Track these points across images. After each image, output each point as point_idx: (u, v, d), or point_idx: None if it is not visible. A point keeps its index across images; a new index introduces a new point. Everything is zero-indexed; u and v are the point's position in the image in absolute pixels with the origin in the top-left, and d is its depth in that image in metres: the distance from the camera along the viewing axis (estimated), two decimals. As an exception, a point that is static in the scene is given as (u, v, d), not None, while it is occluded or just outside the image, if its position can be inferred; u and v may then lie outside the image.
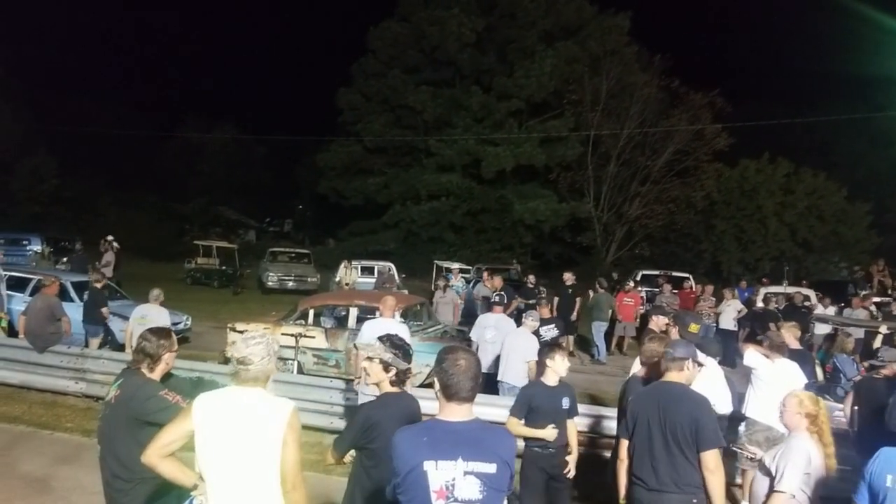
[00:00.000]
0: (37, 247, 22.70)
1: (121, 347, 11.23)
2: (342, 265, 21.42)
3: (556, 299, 14.52)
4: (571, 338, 14.79)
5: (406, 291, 17.84)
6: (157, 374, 4.05)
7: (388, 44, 36.19)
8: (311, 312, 11.31)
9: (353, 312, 11.16)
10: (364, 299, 11.84)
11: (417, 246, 34.28)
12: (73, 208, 37.87)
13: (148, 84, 50.75)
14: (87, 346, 10.93)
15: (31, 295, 12.55)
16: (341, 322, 11.46)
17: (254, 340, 3.24)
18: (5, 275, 12.36)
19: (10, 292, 12.24)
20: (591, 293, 15.44)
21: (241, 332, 10.63)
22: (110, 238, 18.78)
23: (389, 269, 21.53)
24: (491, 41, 34.97)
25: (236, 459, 3.10)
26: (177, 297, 10.95)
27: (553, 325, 9.90)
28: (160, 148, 44.87)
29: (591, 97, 32.42)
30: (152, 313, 9.88)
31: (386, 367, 3.87)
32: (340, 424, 8.43)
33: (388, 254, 28.16)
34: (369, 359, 3.91)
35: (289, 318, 11.46)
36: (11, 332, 10.97)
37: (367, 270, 22.31)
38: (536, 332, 8.88)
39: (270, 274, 24.60)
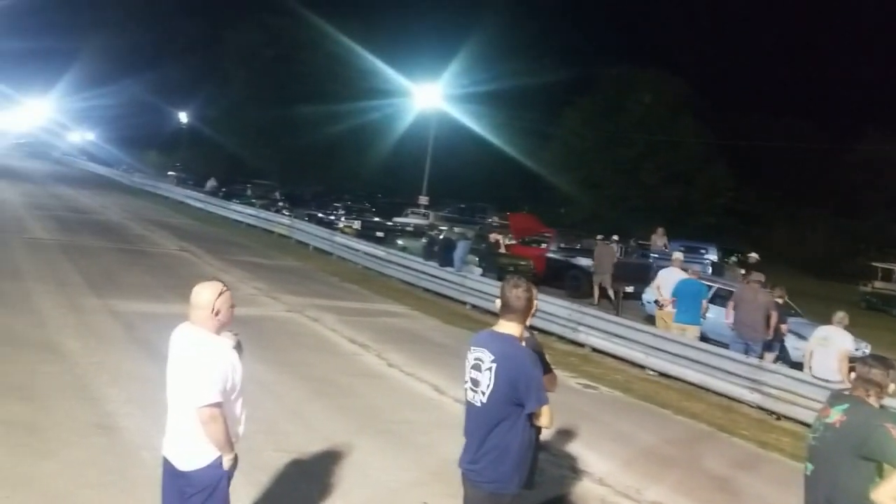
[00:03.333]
0: (712, 256, 24.13)
1: (794, 364, 11.05)
2: None
3: None
4: None
5: None
6: (873, 399, 3.78)
7: None
8: None
9: None
10: None
11: None
12: (746, 221, 39.20)
13: (825, 97, 48.88)
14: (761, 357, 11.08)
15: (710, 302, 13.29)
16: None
17: None
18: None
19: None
20: None
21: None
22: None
23: None
24: None
25: None
26: (850, 321, 10.30)
27: None
28: (837, 163, 42.80)
29: None
30: (835, 336, 9.41)
31: None
32: None
33: None
34: None
35: None
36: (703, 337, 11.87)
37: None
38: None
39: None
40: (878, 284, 24.79)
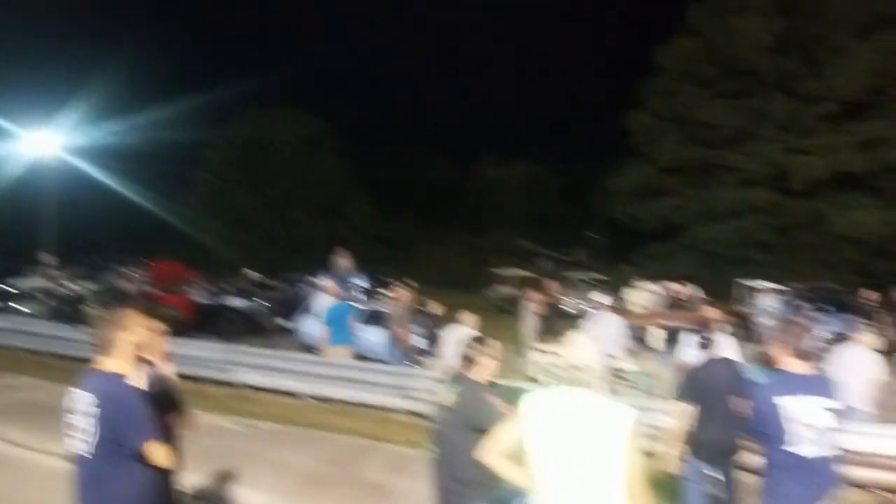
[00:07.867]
0: (363, 283, 25.14)
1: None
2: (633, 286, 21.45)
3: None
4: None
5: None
6: (479, 377, 4.25)
7: (679, 60, 35.02)
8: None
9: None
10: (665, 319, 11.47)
11: (720, 268, 32.23)
12: (393, 247, 41.96)
13: (453, 128, 54.69)
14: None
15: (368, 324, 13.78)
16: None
17: (584, 346, 3.27)
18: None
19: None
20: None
21: (546, 351, 10.82)
22: None
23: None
24: (793, 43, 32.10)
25: (577, 463, 3.07)
26: (484, 321, 11.68)
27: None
28: (464, 187, 47.99)
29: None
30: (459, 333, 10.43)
31: None
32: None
33: (687, 277, 26.83)
34: None
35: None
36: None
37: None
38: None
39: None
40: (503, 289, 28.10)
